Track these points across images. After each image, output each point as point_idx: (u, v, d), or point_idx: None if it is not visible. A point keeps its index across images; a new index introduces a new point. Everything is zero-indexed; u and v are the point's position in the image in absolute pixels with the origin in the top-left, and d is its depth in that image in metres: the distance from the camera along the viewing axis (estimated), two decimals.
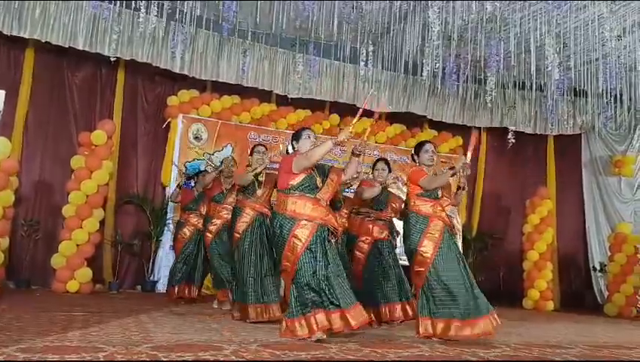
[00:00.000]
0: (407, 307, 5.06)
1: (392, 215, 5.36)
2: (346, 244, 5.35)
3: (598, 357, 3.84)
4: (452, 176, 4.37)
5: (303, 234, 3.84)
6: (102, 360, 2.70)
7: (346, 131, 3.91)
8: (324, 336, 3.70)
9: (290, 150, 4.21)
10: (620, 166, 10.12)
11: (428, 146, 4.52)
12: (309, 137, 4.17)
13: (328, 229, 3.95)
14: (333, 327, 3.69)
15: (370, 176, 5.59)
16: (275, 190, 4.47)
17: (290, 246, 3.84)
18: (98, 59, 7.82)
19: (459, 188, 4.73)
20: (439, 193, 4.43)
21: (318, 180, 4.04)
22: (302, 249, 3.81)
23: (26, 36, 7.19)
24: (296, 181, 3.97)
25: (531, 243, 9.39)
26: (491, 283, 9.95)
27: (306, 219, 3.88)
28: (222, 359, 2.92)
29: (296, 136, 4.23)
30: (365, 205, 5.31)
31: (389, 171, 5.40)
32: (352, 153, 4.18)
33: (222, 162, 6.28)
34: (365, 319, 3.82)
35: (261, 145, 5.39)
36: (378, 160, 5.52)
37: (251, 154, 5.20)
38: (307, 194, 3.96)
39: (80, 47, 7.43)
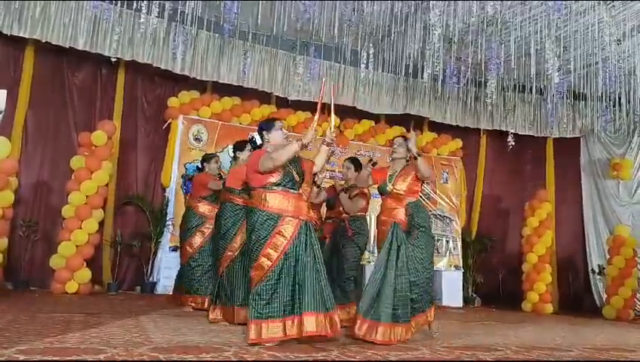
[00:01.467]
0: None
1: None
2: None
3: (597, 359, 3.85)
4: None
5: (287, 230, 3.67)
6: (103, 361, 2.70)
7: (310, 132, 3.74)
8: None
9: (259, 140, 3.98)
10: (618, 169, 10.14)
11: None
12: (281, 129, 3.98)
13: (310, 225, 3.79)
14: (290, 334, 3.51)
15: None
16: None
17: (272, 244, 3.64)
18: (98, 59, 7.82)
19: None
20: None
21: (296, 175, 3.84)
22: (286, 246, 3.64)
23: (26, 36, 7.18)
24: (275, 178, 3.76)
25: (530, 246, 9.40)
26: (490, 286, 9.99)
27: (290, 216, 3.71)
28: (223, 360, 2.92)
29: (267, 126, 4.01)
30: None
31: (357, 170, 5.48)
32: (323, 142, 3.97)
33: (203, 161, 6.38)
34: (327, 330, 3.52)
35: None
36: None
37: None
38: (291, 190, 3.77)
39: (80, 48, 7.42)
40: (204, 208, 6.01)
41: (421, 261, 4.23)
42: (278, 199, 3.73)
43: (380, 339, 3.82)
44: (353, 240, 5.25)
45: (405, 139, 4.60)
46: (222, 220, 5.06)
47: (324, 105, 4.04)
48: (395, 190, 4.44)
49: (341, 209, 5.36)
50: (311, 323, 3.47)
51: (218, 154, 8.48)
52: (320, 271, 3.65)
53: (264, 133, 3.98)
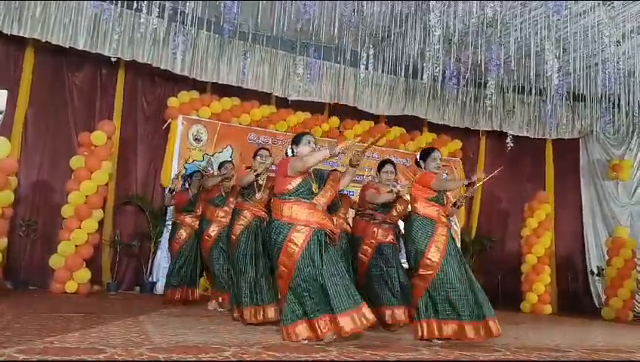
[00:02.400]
0: (410, 311, 5.04)
1: (397, 218, 5.30)
2: (351, 247, 5.35)
3: (595, 360, 3.86)
4: (465, 186, 4.51)
5: (298, 238, 3.84)
6: (102, 361, 2.71)
7: (344, 144, 3.88)
8: (334, 337, 3.70)
9: (290, 153, 4.21)
10: (617, 170, 10.16)
11: (436, 154, 4.57)
12: (308, 143, 4.16)
13: (326, 233, 3.95)
14: (322, 332, 3.68)
15: (375, 178, 5.49)
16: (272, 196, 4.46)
17: (286, 252, 3.85)
18: (98, 59, 7.83)
19: (455, 204, 4.74)
20: (444, 200, 4.48)
21: (314, 186, 4.06)
22: (298, 253, 3.81)
23: (26, 36, 7.19)
24: (292, 185, 3.98)
25: (529, 247, 9.41)
26: (490, 287, 9.95)
27: (302, 224, 3.89)
28: (222, 360, 2.92)
29: (296, 140, 4.23)
30: (370, 208, 5.27)
31: (396, 174, 5.38)
32: (350, 163, 4.17)
33: (220, 167, 6.29)
34: (362, 324, 3.69)
35: (265, 148, 5.39)
36: (385, 162, 5.42)
37: (254, 158, 5.20)
38: (303, 200, 3.97)
39: (80, 48, 7.43)
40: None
41: None
42: (291, 208, 3.94)
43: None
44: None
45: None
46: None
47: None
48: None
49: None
50: (347, 323, 3.62)
51: (218, 155, 8.56)
52: (339, 273, 3.81)
53: (294, 146, 4.21)
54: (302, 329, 3.73)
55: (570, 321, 7.76)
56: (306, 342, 3.69)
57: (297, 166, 3.95)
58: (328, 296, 3.70)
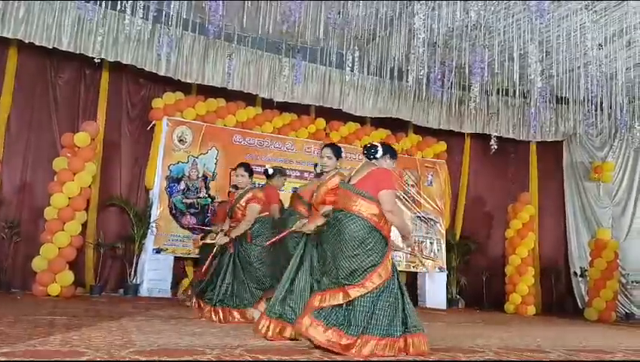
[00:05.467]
0: None
1: None
2: None
3: (577, 361, 3.90)
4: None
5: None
6: None
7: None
8: None
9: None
10: (599, 172, 10.30)
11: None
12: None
13: None
14: None
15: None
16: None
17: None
18: (82, 60, 7.76)
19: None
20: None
21: None
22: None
23: (9, 36, 7.09)
24: None
25: (513, 248, 9.50)
26: (474, 288, 10.06)
27: None
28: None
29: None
30: None
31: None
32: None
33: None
34: None
35: (243, 165, 5.53)
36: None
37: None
38: None
39: (64, 48, 7.34)
40: None
41: None
42: None
43: None
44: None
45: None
46: None
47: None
48: None
49: None
50: None
51: (203, 156, 8.54)
52: None
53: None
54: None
55: (554, 322, 7.85)
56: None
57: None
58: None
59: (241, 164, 5.55)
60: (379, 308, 3.47)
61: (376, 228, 3.60)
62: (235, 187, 5.87)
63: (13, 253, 7.38)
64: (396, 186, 3.88)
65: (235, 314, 5.07)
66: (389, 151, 3.94)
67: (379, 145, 3.90)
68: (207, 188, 8.52)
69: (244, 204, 5.29)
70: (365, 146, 3.93)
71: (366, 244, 3.54)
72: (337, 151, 4.49)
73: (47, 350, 3.04)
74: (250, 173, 5.50)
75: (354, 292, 3.47)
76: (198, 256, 7.69)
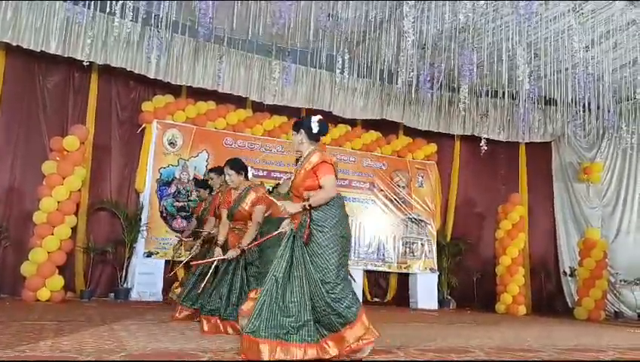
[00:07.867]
0: None
1: None
2: None
3: (567, 360, 3.93)
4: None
5: None
6: None
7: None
8: None
9: None
10: (588, 172, 10.39)
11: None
12: None
13: None
14: None
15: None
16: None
17: None
18: (71, 63, 7.72)
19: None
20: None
21: None
22: None
23: None
24: None
25: (503, 249, 9.56)
26: (465, 288, 10.11)
27: None
28: None
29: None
30: None
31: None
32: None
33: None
34: None
35: (228, 162, 5.05)
36: None
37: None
38: None
39: (52, 51, 7.30)
40: None
41: None
42: None
43: None
44: None
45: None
46: None
47: None
48: None
49: None
50: None
51: (193, 159, 8.51)
52: None
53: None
54: None
55: (544, 321, 7.89)
56: None
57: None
58: None
59: (227, 162, 5.05)
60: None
61: None
62: (211, 188, 5.82)
63: (1, 257, 7.32)
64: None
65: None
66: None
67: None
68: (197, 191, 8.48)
69: (248, 205, 4.91)
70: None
71: None
72: (306, 126, 3.63)
73: (37, 355, 3.01)
74: (239, 169, 4.97)
75: None
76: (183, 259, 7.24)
